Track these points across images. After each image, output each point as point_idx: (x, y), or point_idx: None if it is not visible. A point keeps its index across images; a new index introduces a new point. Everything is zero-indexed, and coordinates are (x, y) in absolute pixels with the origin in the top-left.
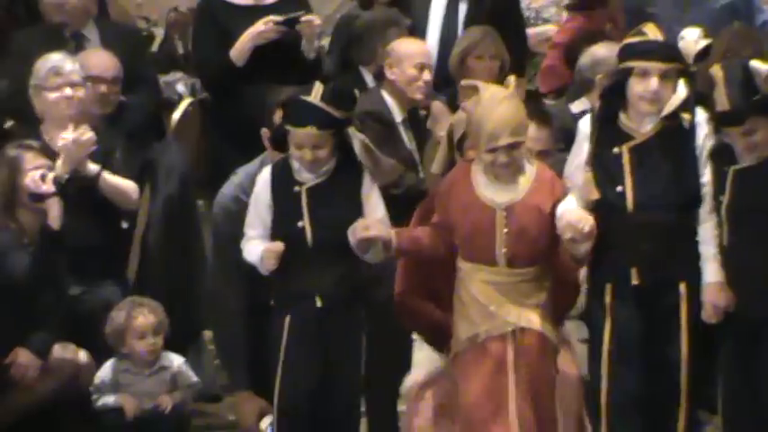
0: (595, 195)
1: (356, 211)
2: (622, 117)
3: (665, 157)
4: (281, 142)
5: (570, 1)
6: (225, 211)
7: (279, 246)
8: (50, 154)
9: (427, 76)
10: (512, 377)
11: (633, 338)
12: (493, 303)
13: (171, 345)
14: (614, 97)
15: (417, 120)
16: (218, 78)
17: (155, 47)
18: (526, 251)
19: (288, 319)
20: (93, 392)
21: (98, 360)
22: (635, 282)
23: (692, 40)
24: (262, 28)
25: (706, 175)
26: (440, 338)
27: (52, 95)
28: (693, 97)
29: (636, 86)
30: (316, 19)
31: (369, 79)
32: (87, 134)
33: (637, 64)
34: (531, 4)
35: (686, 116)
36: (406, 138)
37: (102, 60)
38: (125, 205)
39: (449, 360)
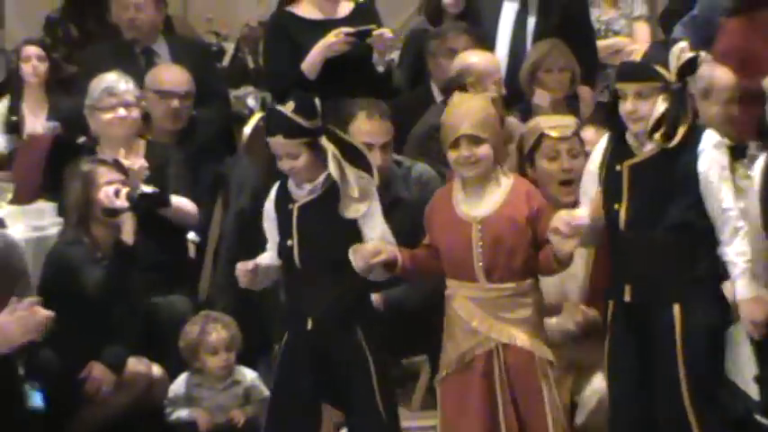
0: (599, 213)
1: (348, 228)
2: (628, 135)
3: (660, 178)
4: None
5: (730, 4)
6: None
7: (247, 265)
8: (124, 169)
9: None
10: (500, 396)
11: (628, 357)
12: (474, 319)
13: (243, 358)
14: (616, 117)
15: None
16: (291, 91)
17: (225, 61)
18: (503, 264)
19: (285, 338)
20: (166, 406)
21: (171, 374)
22: (627, 299)
23: (675, 54)
24: (333, 40)
25: (725, 201)
26: None
27: (106, 116)
28: (675, 113)
29: (620, 107)
30: (387, 32)
31: (437, 93)
32: (138, 163)
33: (617, 86)
34: (601, 17)
35: (657, 136)
36: None
37: (174, 75)
38: (185, 224)
39: (437, 381)
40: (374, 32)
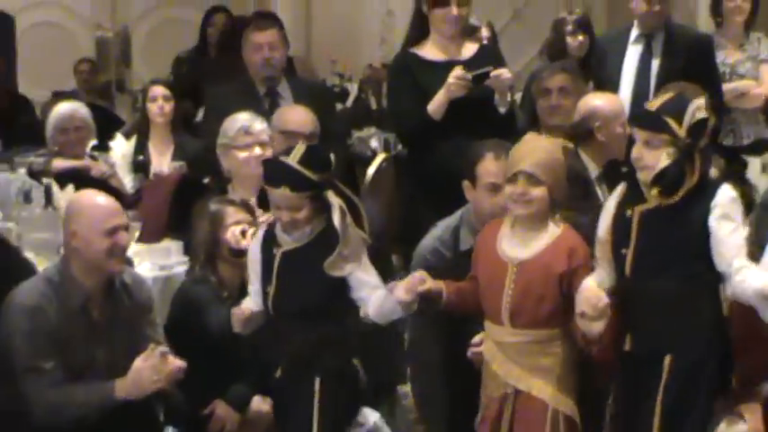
0: (606, 257)
1: (328, 280)
2: (648, 187)
3: (668, 226)
4: (265, 202)
5: None
6: (424, 264)
7: (243, 312)
8: (251, 210)
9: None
10: None
11: (628, 409)
12: (495, 363)
13: (367, 400)
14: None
15: (616, 173)
16: (416, 132)
17: (349, 102)
18: (529, 310)
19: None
20: None
21: None
22: (627, 348)
23: (689, 111)
24: (452, 81)
25: (735, 257)
26: None
27: (242, 154)
28: (678, 170)
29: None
30: (505, 72)
31: None
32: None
33: (632, 129)
34: (727, 60)
35: (655, 191)
36: (601, 193)
37: (299, 116)
38: None
39: (476, 424)
40: (492, 73)
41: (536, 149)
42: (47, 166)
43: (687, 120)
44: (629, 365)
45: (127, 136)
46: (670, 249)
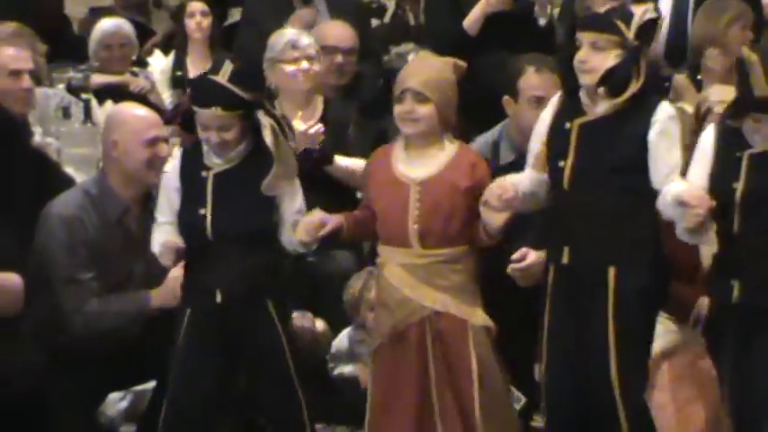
0: (541, 170)
1: (264, 200)
2: (582, 93)
3: (608, 139)
4: (189, 123)
5: None
6: None
7: (176, 243)
8: (290, 125)
9: None
10: (433, 366)
11: (565, 323)
12: (407, 287)
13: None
14: (572, 70)
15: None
16: (454, 48)
17: (386, 18)
18: (438, 229)
19: (188, 312)
20: (329, 361)
21: (335, 329)
22: (566, 261)
23: (638, 13)
24: (489, 6)
25: (671, 171)
26: None
27: (289, 68)
28: (626, 71)
29: (575, 57)
30: None
31: None
32: (316, 127)
33: (576, 35)
34: None
35: (603, 89)
36: None
37: (338, 31)
38: (353, 184)
39: (371, 352)
40: None
41: (423, 67)
42: (86, 81)
43: (636, 21)
44: (566, 278)
45: (163, 50)
46: (609, 163)
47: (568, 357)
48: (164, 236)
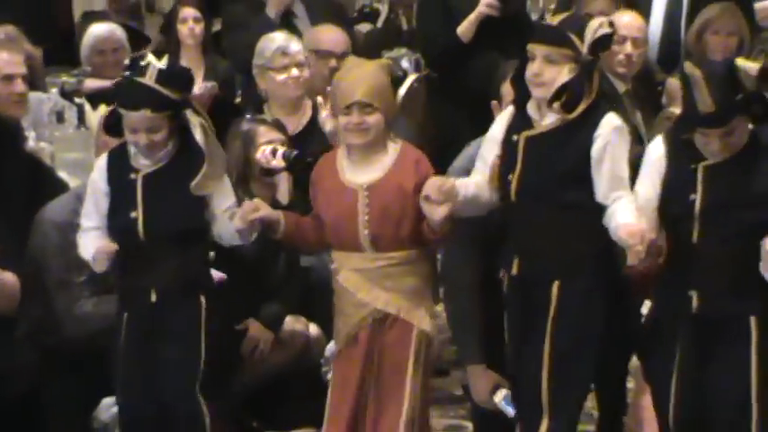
0: (493, 182)
1: (194, 199)
2: (530, 106)
3: (554, 152)
4: (114, 127)
5: None
6: None
7: (111, 247)
8: (283, 129)
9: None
10: (376, 368)
11: (517, 330)
12: (361, 291)
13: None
14: (522, 82)
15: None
16: (446, 53)
17: (379, 23)
18: (390, 232)
19: (125, 316)
20: (323, 365)
21: (328, 334)
22: (515, 272)
23: (591, 27)
24: (483, 9)
25: (615, 186)
26: None
27: (279, 76)
28: (579, 85)
29: (527, 69)
30: None
31: None
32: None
33: (528, 46)
34: None
35: (557, 105)
36: (630, 110)
37: (332, 36)
38: None
39: (331, 359)
40: None
41: (365, 77)
42: (79, 86)
43: (589, 35)
44: (517, 289)
45: (157, 56)
46: (554, 176)
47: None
48: (94, 241)
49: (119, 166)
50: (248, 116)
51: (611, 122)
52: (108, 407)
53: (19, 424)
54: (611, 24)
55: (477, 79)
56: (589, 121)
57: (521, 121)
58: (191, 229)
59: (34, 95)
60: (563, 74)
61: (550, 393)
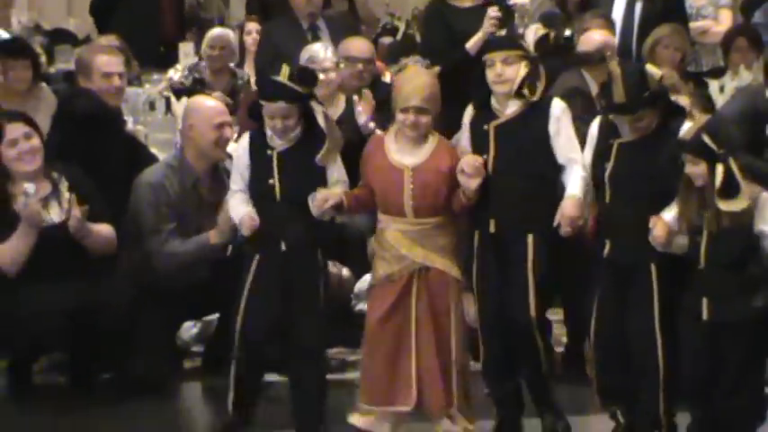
0: (481, 176)
1: (318, 171)
2: (493, 101)
3: (518, 135)
4: (256, 114)
5: None
6: None
7: (256, 220)
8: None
9: None
10: (413, 305)
11: (492, 277)
12: (404, 247)
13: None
14: (483, 85)
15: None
16: (452, 66)
17: (398, 36)
18: (428, 204)
19: (257, 257)
20: (353, 299)
21: (357, 275)
22: (492, 230)
23: (531, 31)
24: (489, 25)
25: (571, 152)
26: None
27: None
28: (535, 77)
29: (488, 74)
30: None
31: None
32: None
33: (486, 57)
34: (693, 4)
35: (525, 91)
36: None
37: (360, 44)
38: None
39: (368, 291)
40: (511, 2)
41: (422, 86)
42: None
43: (531, 38)
44: (493, 244)
45: None
46: (520, 153)
47: (495, 304)
48: (241, 204)
49: (258, 145)
50: None
51: (559, 105)
52: (188, 328)
53: (116, 345)
54: (546, 27)
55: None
56: (542, 107)
57: (485, 114)
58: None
59: (132, 89)
60: (521, 70)
61: (537, 315)
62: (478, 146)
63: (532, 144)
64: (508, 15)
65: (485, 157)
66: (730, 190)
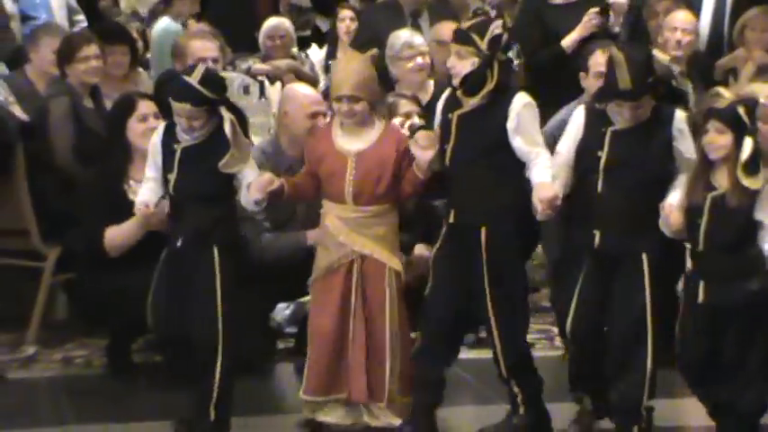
0: (434, 149)
1: (218, 172)
2: (458, 91)
3: (478, 126)
4: (166, 109)
5: None
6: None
7: (150, 209)
8: (419, 102)
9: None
10: (354, 298)
11: (450, 267)
12: (342, 234)
13: None
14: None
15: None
16: (548, 62)
17: None
18: (369, 191)
19: (164, 252)
20: None
21: None
22: (451, 220)
23: (490, 29)
24: (589, 24)
25: (530, 144)
26: None
27: (408, 64)
28: (480, 76)
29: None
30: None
31: None
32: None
33: (450, 46)
34: None
35: (460, 91)
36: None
37: (450, 28)
38: None
39: (310, 283)
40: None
41: (351, 73)
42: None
43: (487, 35)
44: (452, 234)
45: (318, 44)
46: (479, 144)
47: (449, 290)
48: (146, 192)
49: (168, 137)
50: (392, 92)
51: (521, 100)
52: (282, 309)
53: None
54: (504, 26)
55: (566, 59)
56: (503, 100)
57: (452, 102)
58: (210, 193)
59: (227, 74)
60: (468, 66)
61: (495, 311)
62: (443, 134)
63: (492, 136)
64: (604, 12)
65: (446, 146)
66: (753, 166)
